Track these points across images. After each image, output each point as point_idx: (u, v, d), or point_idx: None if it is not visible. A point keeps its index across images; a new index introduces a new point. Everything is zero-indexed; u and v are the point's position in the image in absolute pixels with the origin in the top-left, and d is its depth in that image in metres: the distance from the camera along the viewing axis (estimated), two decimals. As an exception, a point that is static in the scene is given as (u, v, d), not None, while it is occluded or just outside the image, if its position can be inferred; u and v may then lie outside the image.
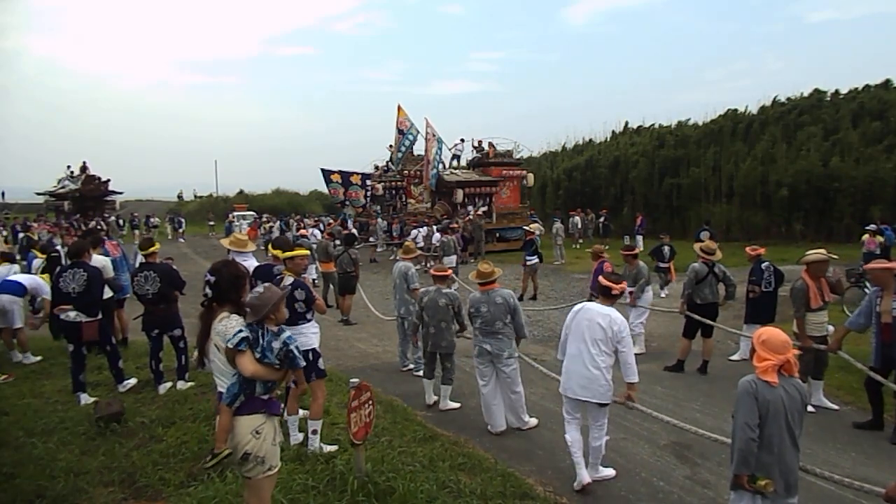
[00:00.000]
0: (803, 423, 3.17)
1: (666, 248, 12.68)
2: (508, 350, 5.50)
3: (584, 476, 4.44)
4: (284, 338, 3.04)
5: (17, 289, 7.11)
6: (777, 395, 3.06)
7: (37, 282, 7.20)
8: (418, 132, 22.42)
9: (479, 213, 20.56)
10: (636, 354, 8.18)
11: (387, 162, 26.23)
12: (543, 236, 18.66)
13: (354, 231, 18.02)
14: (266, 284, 3.23)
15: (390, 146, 23.83)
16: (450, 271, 6.86)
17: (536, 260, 12.97)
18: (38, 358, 7.34)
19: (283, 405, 3.16)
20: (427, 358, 6.39)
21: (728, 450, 3.36)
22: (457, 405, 6.28)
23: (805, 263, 6.25)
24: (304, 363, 3.18)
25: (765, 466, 3.10)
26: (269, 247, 5.78)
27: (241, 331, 3.01)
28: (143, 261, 6.53)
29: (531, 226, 14.42)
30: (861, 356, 5.92)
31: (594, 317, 4.50)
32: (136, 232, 31.70)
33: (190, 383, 6.18)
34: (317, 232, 18.13)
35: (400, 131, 22.51)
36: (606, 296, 4.64)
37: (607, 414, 4.59)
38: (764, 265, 7.74)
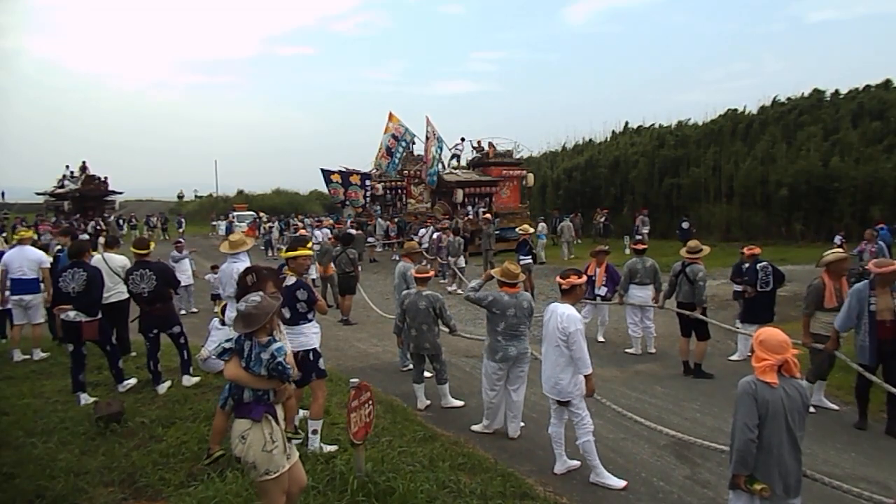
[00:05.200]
0: (804, 425, 3.16)
1: (746, 266, 9.14)
2: (530, 349, 5.49)
3: (559, 466, 4.74)
4: (273, 350, 2.97)
5: (37, 286, 7.30)
6: (777, 396, 3.05)
7: (38, 258, 7.38)
8: (414, 135, 22.46)
9: (488, 216, 18.54)
10: (636, 355, 8.35)
11: (382, 168, 25.95)
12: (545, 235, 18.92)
13: (352, 231, 17.93)
14: (261, 294, 3.19)
15: (383, 155, 23.74)
16: (431, 273, 6.80)
17: (530, 260, 12.98)
18: (47, 354, 7.36)
19: (267, 411, 3.05)
20: (414, 360, 6.38)
21: (728, 450, 3.37)
22: (460, 403, 6.27)
23: (825, 264, 6.21)
24: (292, 375, 3.10)
25: (764, 467, 3.09)
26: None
27: (227, 340, 3.02)
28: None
29: (524, 227, 14.37)
30: (851, 356, 5.94)
31: (553, 317, 4.69)
32: (136, 232, 31.72)
33: (196, 378, 6.17)
34: (318, 234, 17.94)
35: (394, 137, 22.57)
36: (562, 293, 4.82)
37: (582, 410, 4.63)
38: (760, 265, 7.73)
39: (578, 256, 19.36)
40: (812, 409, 6.06)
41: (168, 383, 6.11)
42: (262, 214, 31.39)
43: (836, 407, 6.25)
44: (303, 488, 3.41)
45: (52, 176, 36.60)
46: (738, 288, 8.59)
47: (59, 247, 9.25)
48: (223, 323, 6.46)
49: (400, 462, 4.37)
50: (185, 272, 11.20)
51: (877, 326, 5.43)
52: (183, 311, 10.70)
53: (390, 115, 22.86)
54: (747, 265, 8.02)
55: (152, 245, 6.63)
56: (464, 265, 15.13)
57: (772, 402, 3.05)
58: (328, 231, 18.00)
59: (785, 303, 9.02)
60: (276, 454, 3.02)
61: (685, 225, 20.89)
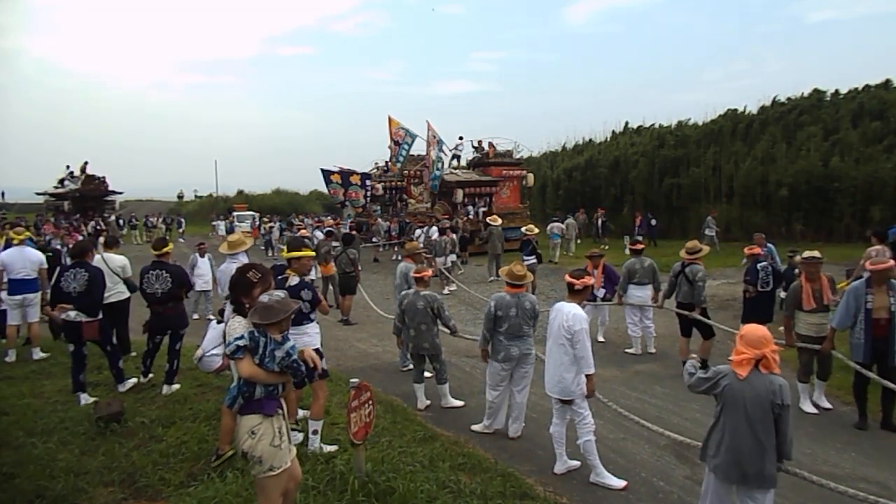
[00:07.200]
0: (771, 421, 3.20)
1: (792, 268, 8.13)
2: (534, 349, 5.48)
3: (559, 466, 4.75)
4: (288, 347, 3.06)
5: (37, 286, 7.37)
6: (739, 386, 3.22)
7: (38, 259, 7.45)
8: (415, 136, 22.49)
9: (495, 217, 17.14)
10: (636, 355, 8.36)
11: (386, 162, 26.29)
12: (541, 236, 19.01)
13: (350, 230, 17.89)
14: (284, 291, 3.27)
15: (387, 161, 24.11)
16: (429, 273, 6.76)
17: (534, 260, 12.96)
18: (47, 354, 7.35)
19: (279, 406, 3.15)
20: (414, 360, 6.38)
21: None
22: (460, 403, 6.26)
23: (796, 264, 6.29)
24: (304, 372, 3.22)
25: (718, 445, 3.33)
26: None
27: (240, 338, 3.02)
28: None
29: (529, 227, 14.40)
30: (846, 356, 5.92)
31: (558, 316, 4.71)
32: (136, 232, 31.71)
33: (176, 386, 6.07)
34: (319, 234, 17.93)
35: (395, 142, 22.70)
36: (570, 292, 4.81)
37: (584, 409, 4.64)
38: (760, 265, 7.73)
39: (578, 256, 19.38)
40: (814, 410, 6.11)
41: (177, 386, 6.09)
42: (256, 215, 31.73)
43: (830, 406, 6.24)
44: (299, 483, 3.43)
45: (52, 176, 36.68)
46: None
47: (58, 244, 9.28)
48: (218, 322, 6.46)
49: (400, 462, 4.37)
50: (202, 276, 10.57)
51: (872, 324, 5.47)
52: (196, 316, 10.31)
53: (390, 120, 22.86)
54: (793, 268, 7.83)
55: (170, 246, 6.65)
56: (450, 265, 15.11)
57: (733, 389, 3.23)
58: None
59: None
60: (282, 449, 3.07)
61: (654, 222, 22.22)
